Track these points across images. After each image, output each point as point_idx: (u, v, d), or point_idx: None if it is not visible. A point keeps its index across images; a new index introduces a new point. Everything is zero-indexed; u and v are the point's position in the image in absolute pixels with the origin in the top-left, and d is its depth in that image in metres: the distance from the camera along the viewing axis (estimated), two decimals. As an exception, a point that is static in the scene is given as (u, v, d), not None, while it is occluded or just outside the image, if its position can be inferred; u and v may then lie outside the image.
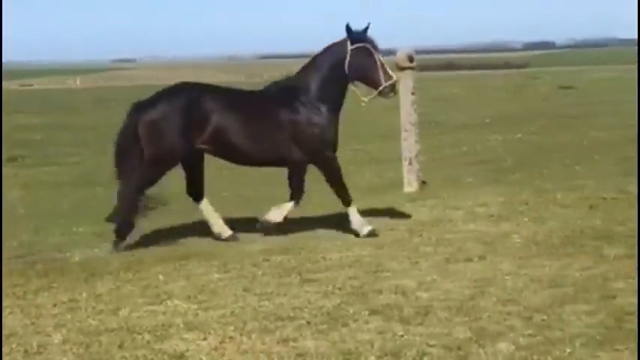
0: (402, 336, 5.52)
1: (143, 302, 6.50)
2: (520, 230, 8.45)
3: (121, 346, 5.50)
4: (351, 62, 8.63)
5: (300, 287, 6.77)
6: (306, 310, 6.15)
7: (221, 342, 5.53)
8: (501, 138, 17.23)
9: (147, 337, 5.67)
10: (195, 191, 8.95)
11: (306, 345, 5.43)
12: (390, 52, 10.98)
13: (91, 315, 6.20)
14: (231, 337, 5.60)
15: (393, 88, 8.72)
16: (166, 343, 5.55)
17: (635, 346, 5.17)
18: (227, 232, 8.91)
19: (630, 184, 10.58)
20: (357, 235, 8.68)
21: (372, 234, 8.60)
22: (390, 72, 8.70)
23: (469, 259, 7.39)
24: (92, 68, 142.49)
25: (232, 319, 5.99)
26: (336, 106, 8.77)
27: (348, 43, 8.67)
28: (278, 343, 5.48)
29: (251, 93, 9.10)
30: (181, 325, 5.87)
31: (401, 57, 11.20)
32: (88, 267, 7.79)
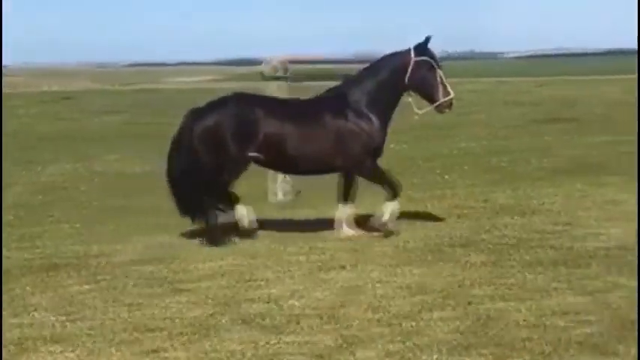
0: (274, 345, 5.56)
1: (8, 314, 6.34)
2: (391, 238, 8.60)
3: (-17, 360, 5.35)
4: (413, 74, 8.70)
5: (172, 297, 6.72)
6: (177, 320, 6.12)
7: (89, 354, 5.46)
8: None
9: (12, 349, 5.54)
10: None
11: (177, 356, 5.41)
12: (255, 62, 11.01)
13: (-47, 329, 5.99)
14: (100, 350, 5.52)
15: (450, 104, 8.83)
16: (32, 357, 5.42)
17: (497, 351, 5.35)
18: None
19: (495, 193, 10.95)
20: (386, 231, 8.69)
21: (389, 233, 8.66)
22: (449, 88, 8.80)
23: (341, 267, 7.49)
24: None
25: (101, 330, 5.92)
26: (387, 115, 8.86)
27: (412, 54, 8.72)
28: (148, 354, 5.44)
29: (303, 101, 9.13)
30: (48, 338, 5.75)
31: (271, 66, 11.21)
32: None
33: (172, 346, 5.56)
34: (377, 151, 8.88)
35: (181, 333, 5.82)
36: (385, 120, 8.86)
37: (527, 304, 6.22)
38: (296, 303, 6.46)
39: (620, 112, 23.37)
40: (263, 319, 6.07)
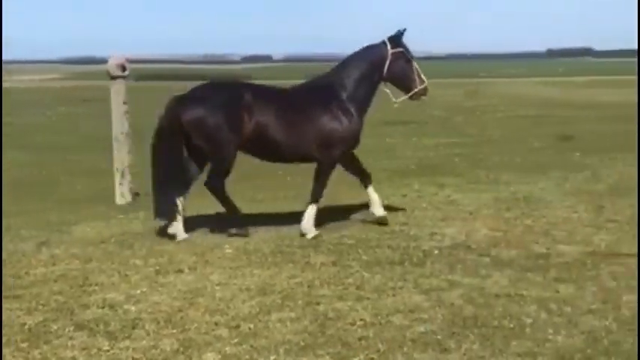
0: (108, 351, 5.42)
1: None
2: (232, 240, 8.55)
3: None
4: (391, 65, 8.92)
5: (2, 304, 6.44)
6: (7, 327, 5.87)
7: None
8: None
9: None
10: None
11: (5, 365, 5.18)
12: (104, 61, 10.79)
13: None
14: None
15: (424, 92, 9.08)
16: None
17: (334, 350, 5.39)
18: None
19: (338, 194, 11.05)
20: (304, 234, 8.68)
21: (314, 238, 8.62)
22: (423, 76, 9.06)
23: (180, 271, 7.39)
24: None
25: None
26: (366, 107, 9.03)
27: (389, 46, 8.89)
28: (-26, 364, 5.19)
29: (286, 90, 9.20)
30: None
31: (112, 65, 11.00)
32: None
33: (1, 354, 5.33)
34: (355, 143, 9.07)
35: (11, 341, 5.59)
36: (363, 112, 9.04)
37: (365, 304, 6.32)
38: (132, 308, 6.32)
39: (458, 115, 24.17)
40: (97, 325, 5.91)
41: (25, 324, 5.95)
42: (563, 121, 22.08)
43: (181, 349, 5.43)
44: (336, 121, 8.78)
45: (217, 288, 6.83)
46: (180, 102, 8.72)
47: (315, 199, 8.88)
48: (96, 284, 6.99)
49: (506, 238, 8.38)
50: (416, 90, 9.06)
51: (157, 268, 7.50)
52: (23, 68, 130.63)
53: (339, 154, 8.92)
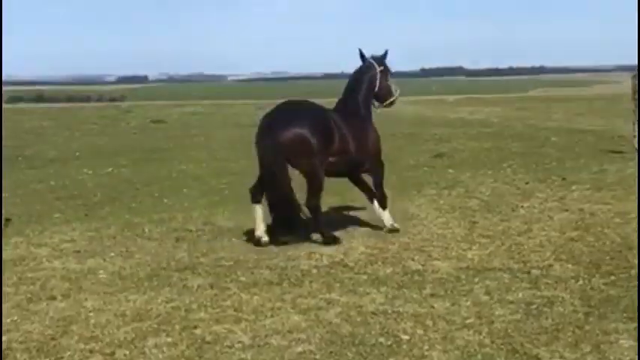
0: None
1: None
2: (107, 265, 8.39)
3: None
4: (380, 83, 10.00)
5: None
6: None
7: None
8: (92, 172, 17.03)
9: None
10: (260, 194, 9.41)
11: None
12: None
13: None
14: None
15: (395, 100, 10.28)
16: None
17: None
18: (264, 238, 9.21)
19: (215, 216, 11.00)
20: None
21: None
22: (395, 88, 10.24)
23: (52, 298, 7.20)
24: None
25: None
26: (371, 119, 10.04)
27: (377, 66, 9.99)
28: None
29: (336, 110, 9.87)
30: None
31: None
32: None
33: None
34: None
35: None
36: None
37: (243, 326, 6.30)
38: (3, 337, 6.11)
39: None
40: (-35, 357, 5.69)
41: None
42: (436, 138, 22.61)
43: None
44: (375, 134, 9.88)
45: (91, 314, 6.69)
46: (277, 123, 9.12)
47: (384, 204, 9.83)
48: (-37, 315, 6.73)
49: (383, 255, 8.49)
50: (392, 99, 10.19)
51: (29, 295, 7.30)
52: None
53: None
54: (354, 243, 9.13)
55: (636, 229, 9.20)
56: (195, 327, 6.29)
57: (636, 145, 16.72)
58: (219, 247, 9.09)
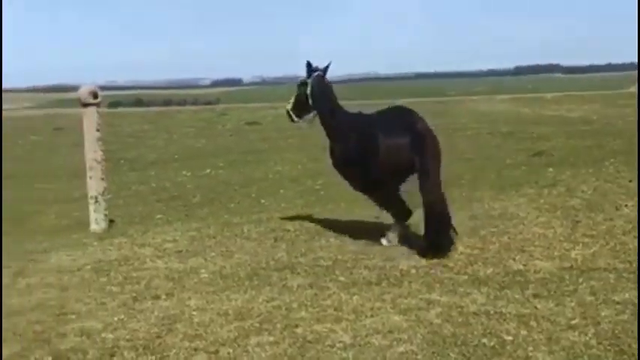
0: (84, 380, 5.35)
1: None
2: (208, 265, 8.52)
3: None
4: None
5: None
6: (-17, 360, 5.79)
7: None
8: (190, 174, 17.34)
9: None
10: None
11: (-18, 398, 5.10)
12: (74, 88, 10.75)
13: None
14: None
15: None
16: None
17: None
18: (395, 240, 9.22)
19: (312, 216, 11.05)
20: None
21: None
22: None
23: (157, 297, 7.34)
24: None
25: None
26: None
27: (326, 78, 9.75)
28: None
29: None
30: None
31: (83, 93, 10.96)
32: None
33: (-23, 388, 5.26)
34: None
35: (-13, 373, 5.52)
36: None
37: (343, 325, 6.30)
38: (110, 335, 6.27)
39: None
40: (75, 354, 5.86)
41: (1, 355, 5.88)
42: (534, 137, 22.23)
43: (160, 375, 5.39)
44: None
45: (195, 313, 6.79)
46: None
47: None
48: (73, 313, 6.93)
49: (483, 255, 8.39)
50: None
51: (134, 294, 7.46)
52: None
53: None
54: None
55: None
56: (297, 326, 6.32)
57: None
58: (317, 247, 9.12)
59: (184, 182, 16.29)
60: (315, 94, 9.51)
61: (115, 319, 6.70)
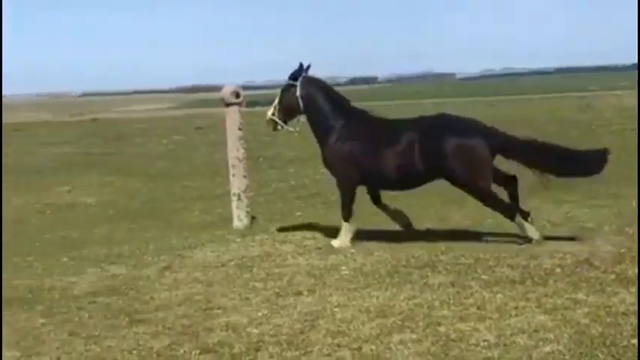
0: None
1: (-38, 351, 6.17)
2: (348, 262, 8.57)
3: None
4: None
5: (129, 329, 6.62)
6: (135, 352, 6.02)
7: (45, 390, 5.32)
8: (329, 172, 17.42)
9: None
10: None
11: (136, 388, 5.30)
12: (215, 89, 11.06)
13: None
14: (55, 385, 5.39)
15: None
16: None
17: None
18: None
19: (450, 214, 10.96)
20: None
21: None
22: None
23: (299, 293, 7.44)
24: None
25: (58, 365, 5.79)
26: None
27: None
28: (106, 387, 5.32)
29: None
30: (2, 375, 5.61)
31: (226, 93, 11.21)
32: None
33: (130, 378, 5.46)
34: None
35: (139, 365, 5.72)
36: None
37: (487, 324, 6.22)
38: (255, 330, 6.40)
39: (572, 130, 23.66)
40: (222, 348, 5.99)
41: (152, 348, 6.09)
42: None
43: (305, 371, 5.45)
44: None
45: (337, 310, 6.84)
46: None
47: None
48: (218, 307, 7.10)
49: (631, 254, 8.13)
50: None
51: (277, 290, 7.58)
52: (132, 99, 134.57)
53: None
54: (599, 241, 8.81)
55: None
56: (439, 324, 6.28)
57: None
58: (458, 246, 9.04)
59: (323, 180, 16.41)
60: (309, 97, 9.55)
61: (259, 314, 6.83)
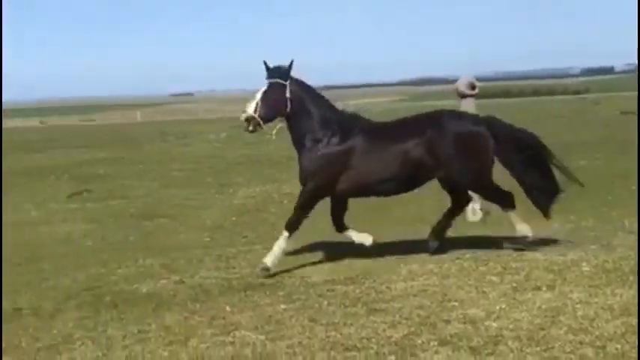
0: (473, 366, 5.45)
1: (211, 333, 6.52)
2: (589, 258, 8.30)
3: (191, 377, 5.52)
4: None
5: (367, 317, 6.73)
6: (373, 340, 6.12)
7: (290, 373, 5.51)
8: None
9: (217, 368, 5.68)
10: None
11: (376, 376, 5.38)
12: (448, 81, 11.04)
13: (161, 346, 6.24)
14: (300, 368, 5.58)
15: None
16: (236, 375, 5.55)
17: None
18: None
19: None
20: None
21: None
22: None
23: (537, 288, 7.29)
24: (151, 102, 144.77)
25: (300, 349, 5.99)
26: None
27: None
28: (347, 373, 5.44)
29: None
30: (250, 356, 5.88)
31: (462, 84, 11.17)
32: (156, 298, 7.86)
33: (371, 365, 5.56)
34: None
35: (378, 353, 5.81)
36: None
37: None
38: (493, 324, 6.33)
39: None
40: (460, 340, 5.97)
41: (390, 337, 6.16)
42: None
43: (547, 367, 5.34)
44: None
45: (578, 306, 6.65)
46: None
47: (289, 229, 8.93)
48: (455, 300, 7.09)
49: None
50: None
51: (514, 285, 7.47)
52: (361, 92, 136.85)
53: None
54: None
55: None
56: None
57: None
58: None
59: (557, 174, 15.98)
60: (299, 99, 8.82)
61: (497, 307, 6.75)
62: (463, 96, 11.15)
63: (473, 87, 11.16)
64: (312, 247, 9.96)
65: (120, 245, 11.47)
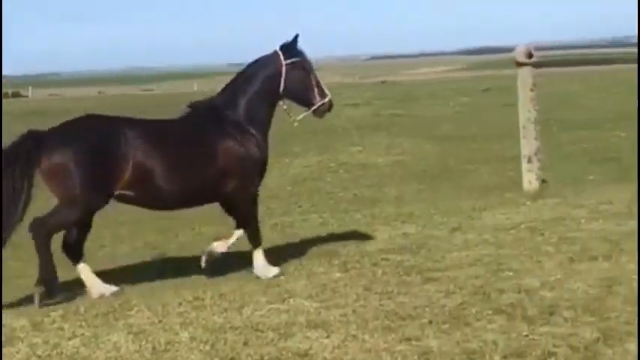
0: (527, 336, 5.43)
1: (266, 301, 6.58)
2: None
3: (246, 344, 5.58)
4: (287, 80, 7.76)
5: (421, 286, 6.74)
6: (427, 309, 6.12)
7: (344, 340, 5.55)
8: (625, 135, 16.72)
9: (271, 335, 5.73)
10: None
11: (429, 344, 5.39)
12: (507, 50, 10.92)
13: (216, 313, 6.32)
14: (353, 336, 5.61)
15: (330, 107, 7.93)
16: (290, 342, 5.60)
17: None
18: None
19: None
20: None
21: (277, 276, 7.51)
22: (326, 89, 7.93)
23: (594, 258, 7.22)
24: (209, 72, 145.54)
25: (354, 317, 6.01)
26: (266, 128, 7.84)
27: (282, 57, 7.79)
28: (400, 341, 5.46)
29: (173, 121, 7.87)
30: (304, 324, 5.92)
31: (519, 53, 11.04)
32: (212, 266, 7.93)
33: (424, 334, 5.56)
34: (263, 169, 7.90)
35: (432, 322, 5.81)
36: (265, 134, 7.81)
37: None
38: (548, 294, 6.29)
39: None
40: (514, 310, 5.95)
41: (444, 306, 6.16)
42: None
43: (602, 337, 5.29)
44: (242, 150, 7.58)
45: (635, 277, 6.56)
46: None
47: (255, 245, 7.73)
48: (510, 270, 7.05)
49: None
50: (317, 105, 7.83)
51: (570, 255, 7.40)
52: (418, 62, 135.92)
53: (255, 190, 7.80)
54: None
55: None
56: None
57: None
58: None
59: (617, 143, 15.78)
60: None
61: (552, 278, 6.70)
62: (520, 64, 11.01)
63: (530, 55, 11.02)
64: (368, 216, 10.00)
65: (177, 214, 11.57)
